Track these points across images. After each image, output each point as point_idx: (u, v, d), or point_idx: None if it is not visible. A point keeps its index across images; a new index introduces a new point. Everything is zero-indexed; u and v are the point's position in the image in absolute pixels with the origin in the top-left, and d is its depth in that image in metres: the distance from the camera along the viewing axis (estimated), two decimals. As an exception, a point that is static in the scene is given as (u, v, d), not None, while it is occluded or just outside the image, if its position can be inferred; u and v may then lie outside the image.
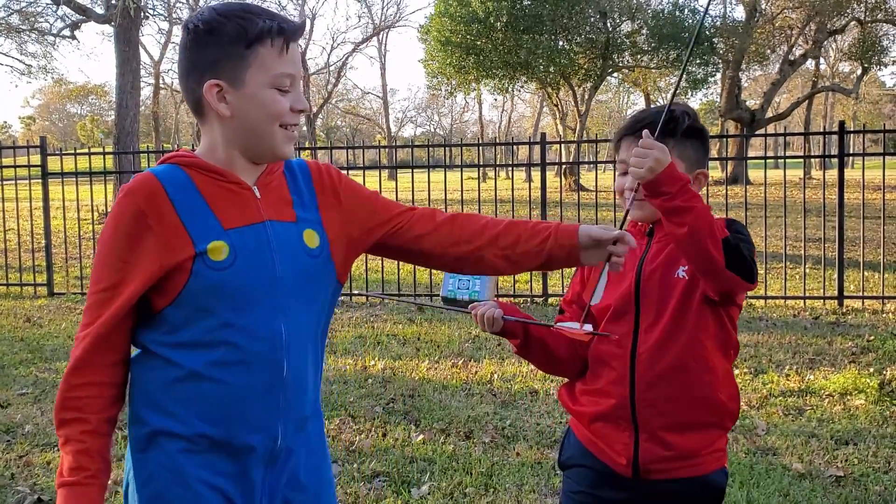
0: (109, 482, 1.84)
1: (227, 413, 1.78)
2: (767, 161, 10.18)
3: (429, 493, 4.20)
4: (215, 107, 1.76)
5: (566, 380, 2.39)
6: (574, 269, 2.28)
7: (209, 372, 1.76)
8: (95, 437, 1.76)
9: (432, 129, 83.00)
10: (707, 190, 9.78)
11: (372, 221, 1.99)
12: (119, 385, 1.82)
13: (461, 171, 10.79)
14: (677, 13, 30.77)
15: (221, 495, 1.82)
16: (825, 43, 37.34)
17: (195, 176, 1.79)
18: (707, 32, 29.81)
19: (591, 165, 34.05)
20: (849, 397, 5.66)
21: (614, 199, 9.98)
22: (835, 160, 9.37)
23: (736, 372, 6.28)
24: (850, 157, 10.88)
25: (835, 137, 9.38)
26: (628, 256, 2.10)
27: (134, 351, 1.85)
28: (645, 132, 2.05)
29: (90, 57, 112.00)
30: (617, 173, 2.24)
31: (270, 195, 1.86)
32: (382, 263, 10.71)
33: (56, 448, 4.78)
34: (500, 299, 2.75)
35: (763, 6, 32.54)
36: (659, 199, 2.01)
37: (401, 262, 11.19)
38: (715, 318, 2.16)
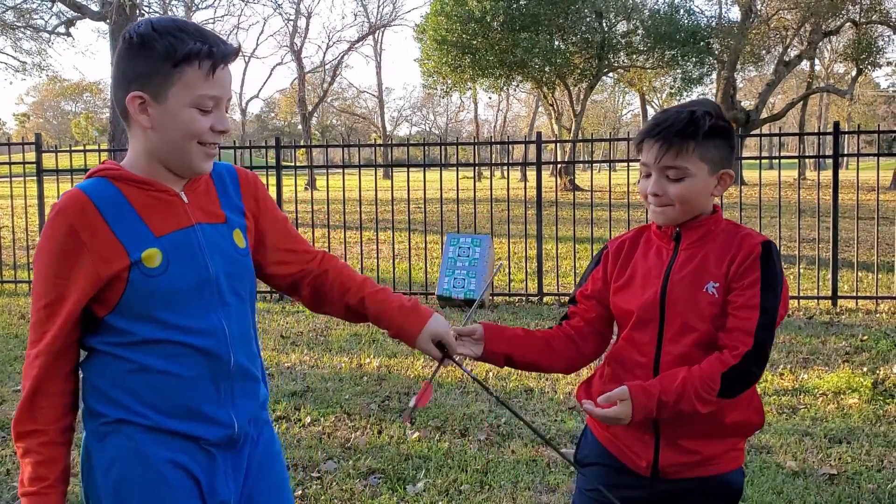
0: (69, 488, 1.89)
1: (180, 403, 1.86)
2: (762, 161, 10.20)
3: (424, 490, 4.21)
4: (136, 118, 1.84)
5: (565, 376, 2.41)
6: (591, 263, 2.33)
7: (159, 365, 1.84)
8: (53, 447, 1.85)
9: (428, 129, 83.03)
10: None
11: (284, 245, 2.13)
12: (73, 392, 1.90)
13: (457, 169, 10.81)
14: (673, 13, 30.79)
15: (185, 473, 1.88)
16: (820, 44, 37.44)
17: (123, 187, 1.86)
18: (703, 32, 29.87)
19: (587, 165, 34.10)
20: (842, 396, 5.68)
21: (609, 198, 10.01)
22: (829, 161, 9.40)
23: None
24: (845, 158, 10.92)
25: (829, 138, 9.42)
26: (654, 261, 2.16)
27: (82, 354, 1.92)
28: (587, 405, 2.06)
29: (85, 54, 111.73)
30: (641, 176, 2.18)
31: (198, 199, 1.95)
32: (378, 262, 10.73)
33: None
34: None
35: (758, 7, 32.60)
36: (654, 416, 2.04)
37: (397, 261, 11.06)
38: None
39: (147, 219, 1.85)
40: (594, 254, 2.33)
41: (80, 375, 1.92)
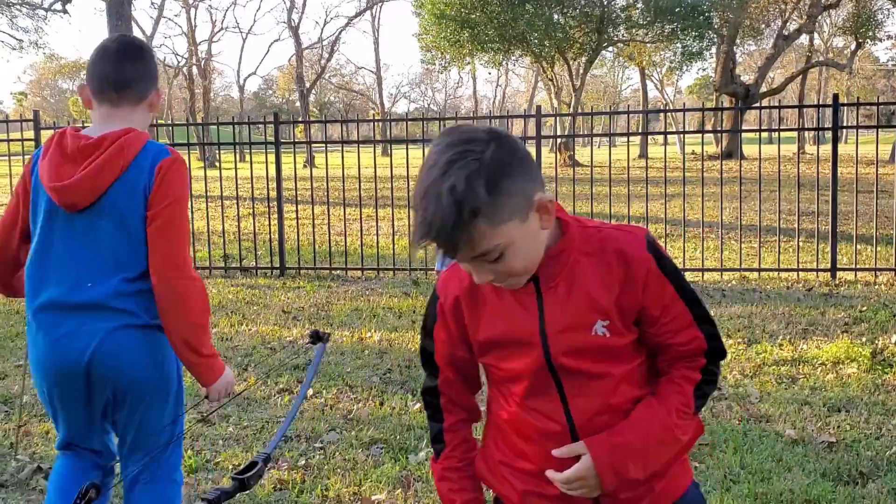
0: None
1: None
2: (762, 136, 10.20)
3: (426, 459, 4.25)
4: (155, 104, 2.66)
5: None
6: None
7: None
8: None
9: (426, 105, 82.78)
10: (702, 164, 9.81)
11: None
12: None
13: (456, 144, 10.77)
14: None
15: None
16: (819, 17, 37.28)
17: None
18: (702, 6, 29.71)
19: (587, 140, 34.06)
20: (841, 366, 5.72)
21: (610, 174, 10.02)
22: (828, 135, 9.40)
23: (730, 342, 6.33)
24: (844, 132, 10.91)
25: (828, 111, 9.41)
26: (518, 313, 1.70)
27: None
28: (550, 473, 1.69)
29: (82, 32, 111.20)
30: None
31: None
32: (377, 239, 10.75)
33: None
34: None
35: (758, -20, 32.42)
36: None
37: (396, 237, 11.03)
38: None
39: None
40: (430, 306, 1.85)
41: None
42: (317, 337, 2.43)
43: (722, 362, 1.80)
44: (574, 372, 1.69)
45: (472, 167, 1.48)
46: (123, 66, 2.52)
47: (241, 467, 1.85)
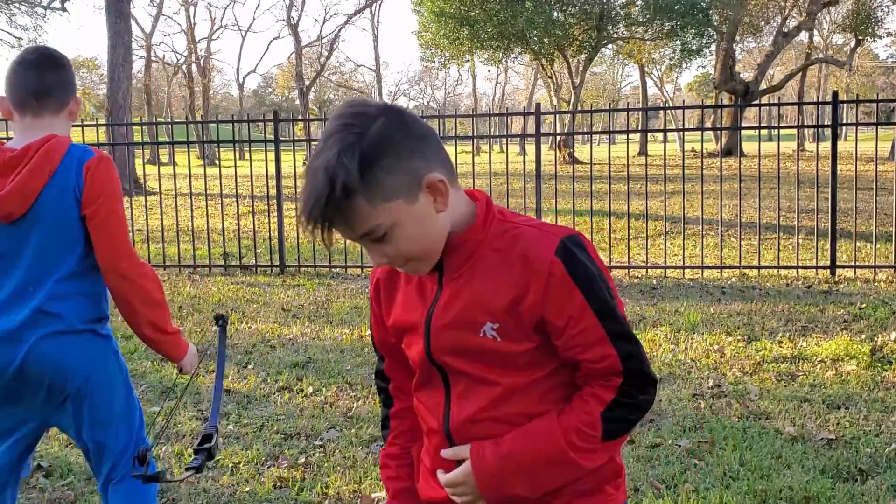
0: None
1: None
2: (761, 133, 10.20)
3: (426, 458, 4.25)
4: (75, 111, 2.71)
5: None
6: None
7: None
8: None
9: (426, 103, 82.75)
10: (702, 162, 9.81)
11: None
12: None
13: (455, 143, 10.78)
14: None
15: None
16: (819, 14, 37.25)
17: None
18: (702, 3, 29.69)
19: (586, 138, 34.06)
20: (840, 363, 5.73)
21: (609, 171, 10.02)
22: (828, 132, 9.40)
23: (729, 339, 6.34)
24: (844, 129, 10.92)
25: (828, 108, 9.41)
26: (416, 301, 1.63)
27: None
28: (438, 473, 1.62)
29: (81, 30, 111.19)
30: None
31: None
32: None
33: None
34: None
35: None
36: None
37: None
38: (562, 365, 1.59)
39: None
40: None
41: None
42: (221, 319, 2.55)
43: (653, 388, 1.56)
44: (458, 372, 1.59)
45: (348, 141, 1.41)
46: (44, 76, 2.60)
47: (198, 441, 2.06)
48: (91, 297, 2.56)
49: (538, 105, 10.24)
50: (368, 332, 6.31)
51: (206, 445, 2.04)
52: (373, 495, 3.86)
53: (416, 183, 1.46)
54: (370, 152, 1.41)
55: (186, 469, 1.98)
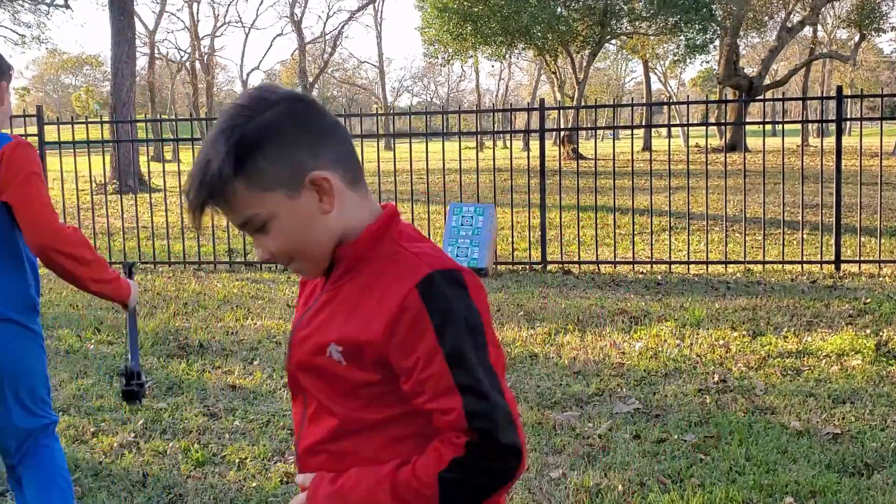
0: None
1: None
2: (765, 128, 10.19)
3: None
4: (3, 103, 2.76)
5: None
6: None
7: None
8: None
9: (429, 99, 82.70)
10: (706, 157, 9.80)
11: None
12: None
13: (459, 139, 10.78)
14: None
15: None
16: (823, 9, 37.17)
17: None
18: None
19: (590, 133, 34.06)
20: (846, 358, 5.73)
21: (613, 167, 10.02)
22: (832, 127, 9.38)
23: (734, 334, 6.35)
24: (848, 124, 10.90)
25: (832, 103, 9.40)
26: (301, 309, 1.55)
27: None
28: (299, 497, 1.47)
29: (85, 27, 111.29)
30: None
31: None
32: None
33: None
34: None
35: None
36: None
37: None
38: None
39: None
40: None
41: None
42: (128, 268, 3.01)
43: (511, 457, 1.32)
44: (310, 392, 1.48)
45: (234, 123, 1.35)
46: None
47: (124, 380, 2.50)
48: (19, 285, 2.72)
49: (542, 101, 10.23)
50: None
51: (140, 381, 2.34)
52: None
53: (299, 177, 1.37)
54: (252, 137, 1.34)
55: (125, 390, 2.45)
